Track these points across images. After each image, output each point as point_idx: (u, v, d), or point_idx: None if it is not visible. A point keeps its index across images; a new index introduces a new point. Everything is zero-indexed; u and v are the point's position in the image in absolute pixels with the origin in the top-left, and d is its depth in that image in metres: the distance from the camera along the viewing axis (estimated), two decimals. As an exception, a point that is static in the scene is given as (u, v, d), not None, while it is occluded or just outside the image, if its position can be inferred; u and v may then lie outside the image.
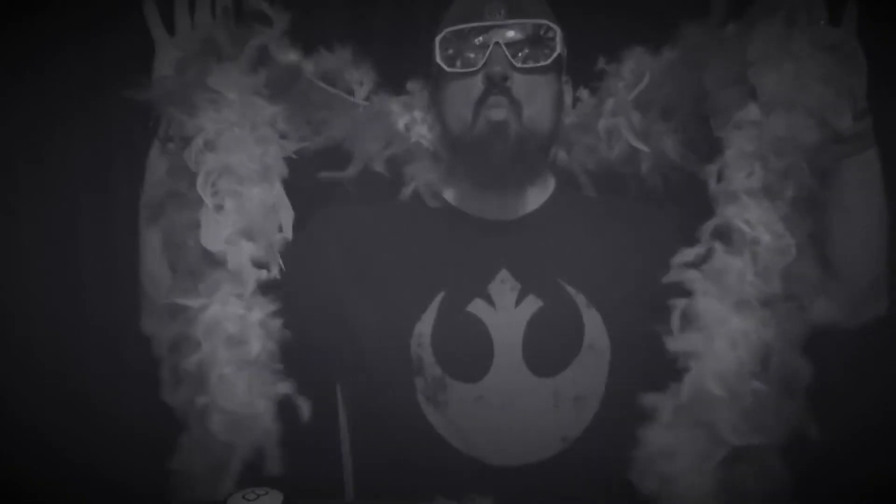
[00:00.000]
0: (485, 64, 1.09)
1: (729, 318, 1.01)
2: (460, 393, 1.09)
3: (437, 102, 1.18)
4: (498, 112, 1.08)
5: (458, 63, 1.11)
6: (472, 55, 1.10)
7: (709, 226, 1.04)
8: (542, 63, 1.11)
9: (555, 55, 1.11)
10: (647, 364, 1.10)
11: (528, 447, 1.09)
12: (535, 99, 1.11)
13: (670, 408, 1.00)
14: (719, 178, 1.05)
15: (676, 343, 1.02)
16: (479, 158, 1.12)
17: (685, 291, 1.03)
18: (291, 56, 1.15)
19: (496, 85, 1.08)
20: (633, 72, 1.19)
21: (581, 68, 1.22)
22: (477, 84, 1.09)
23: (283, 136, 1.13)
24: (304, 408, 1.04)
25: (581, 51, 1.20)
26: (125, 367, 1.32)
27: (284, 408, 1.04)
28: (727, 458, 0.98)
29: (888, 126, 1.09)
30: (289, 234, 1.12)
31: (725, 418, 0.98)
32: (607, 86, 1.21)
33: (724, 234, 1.03)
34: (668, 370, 1.02)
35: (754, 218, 1.01)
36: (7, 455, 1.34)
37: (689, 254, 1.04)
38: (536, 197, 1.20)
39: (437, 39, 1.12)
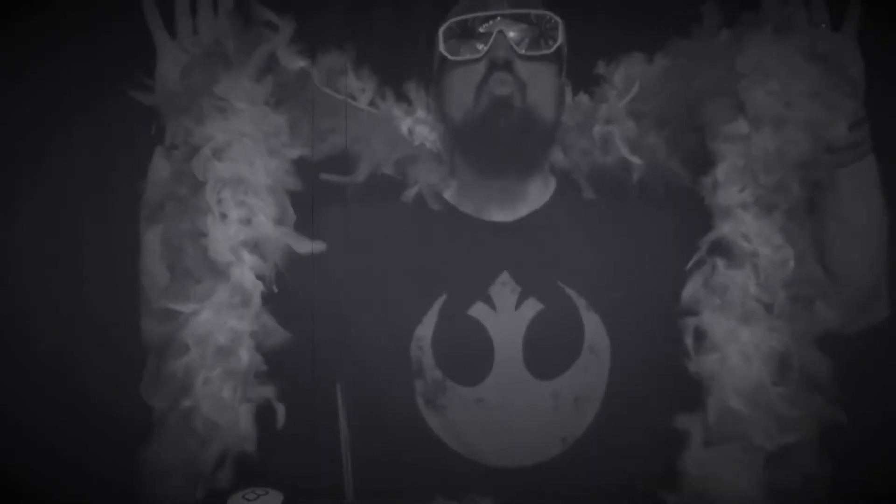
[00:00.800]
0: (488, 50, 1.10)
1: (738, 332, 1.02)
2: (460, 395, 1.09)
3: (438, 96, 1.19)
4: (502, 87, 1.09)
5: (461, 51, 1.12)
6: (475, 43, 1.12)
7: (707, 240, 1.05)
8: (545, 51, 1.12)
9: (557, 45, 1.12)
10: (647, 366, 1.11)
11: (528, 449, 1.09)
12: (539, 84, 1.12)
13: (701, 428, 1.02)
14: (714, 191, 1.05)
15: (691, 366, 1.03)
16: (482, 141, 1.13)
17: (691, 306, 1.05)
18: (299, 63, 1.15)
19: (500, 66, 1.09)
20: (624, 80, 1.20)
21: (575, 72, 1.22)
22: (480, 70, 1.11)
23: (290, 145, 1.13)
24: (280, 414, 1.05)
25: (575, 55, 1.20)
26: (123, 365, 1.31)
27: (273, 413, 1.06)
28: (767, 462, 0.99)
29: (887, 132, 1.09)
30: (296, 245, 1.12)
31: (756, 427, 0.99)
32: (602, 91, 1.22)
33: (724, 248, 1.04)
34: (678, 382, 1.05)
35: (751, 231, 1.02)
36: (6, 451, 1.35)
37: (696, 279, 1.05)
38: (537, 196, 1.20)
39: (441, 30, 1.14)
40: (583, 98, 1.24)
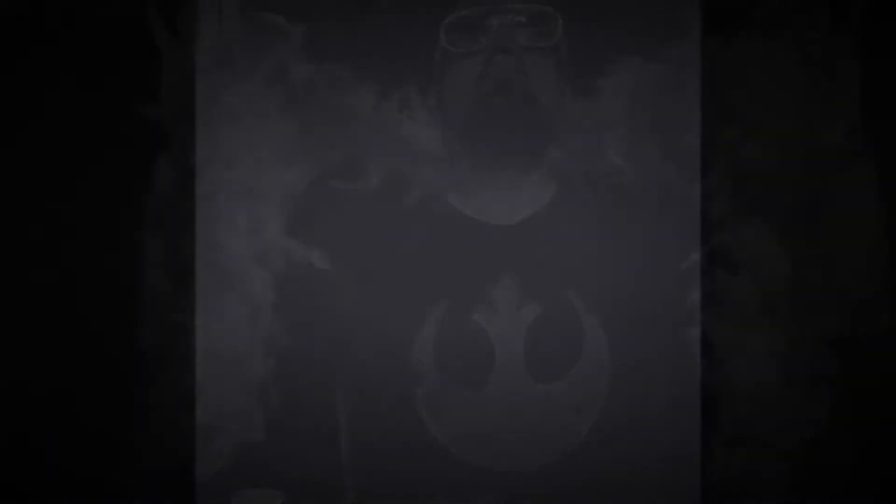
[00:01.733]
0: (490, 42, 1.11)
1: (741, 338, 1.02)
2: (461, 400, 1.10)
3: (439, 92, 1.19)
4: (504, 70, 1.10)
5: (462, 45, 1.13)
6: (476, 37, 1.13)
7: (705, 247, 1.06)
8: (546, 44, 1.13)
9: (556, 39, 1.13)
10: (648, 370, 1.11)
11: (528, 453, 1.09)
12: (540, 73, 1.13)
13: (720, 439, 1.02)
14: (709, 199, 1.06)
15: (697, 372, 1.04)
16: (484, 128, 1.13)
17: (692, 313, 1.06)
18: (307, 69, 1.16)
19: (501, 52, 1.10)
20: (615, 87, 1.20)
21: (570, 77, 1.22)
22: (481, 59, 1.12)
23: (297, 152, 1.13)
24: (274, 401, 1.06)
25: (569, 59, 1.20)
26: (123, 370, 1.32)
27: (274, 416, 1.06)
28: (787, 461, 1.01)
29: (886, 137, 1.09)
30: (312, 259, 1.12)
31: (772, 429, 1.00)
32: (596, 97, 1.22)
33: (722, 256, 1.04)
34: (679, 386, 1.07)
35: (748, 238, 1.02)
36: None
37: (697, 287, 1.06)
38: (537, 195, 1.20)
39: (443, 26, 1.15)
40: (579, 102, 1.24)
